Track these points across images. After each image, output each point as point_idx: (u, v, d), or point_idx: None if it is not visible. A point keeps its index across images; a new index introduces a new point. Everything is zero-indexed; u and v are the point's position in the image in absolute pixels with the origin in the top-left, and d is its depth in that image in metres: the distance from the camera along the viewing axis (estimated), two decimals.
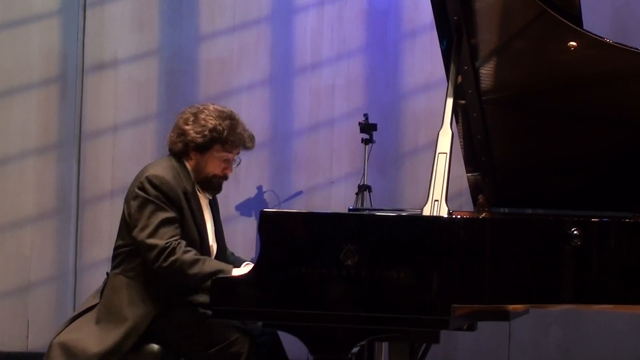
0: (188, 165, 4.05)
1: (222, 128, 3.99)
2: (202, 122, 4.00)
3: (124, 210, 4.01)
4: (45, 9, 6.67)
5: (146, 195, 3.91)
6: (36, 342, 6.53)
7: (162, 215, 3.89)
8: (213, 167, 4.04)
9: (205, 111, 4.03)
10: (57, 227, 6.62)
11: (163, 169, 3.98)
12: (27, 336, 6.59)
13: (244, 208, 6.56)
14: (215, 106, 4.08)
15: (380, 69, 6.60)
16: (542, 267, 3.57)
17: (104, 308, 3.96)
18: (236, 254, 4.32)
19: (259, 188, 6.59)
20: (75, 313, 4.06)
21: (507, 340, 6.44)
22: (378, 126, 6.17)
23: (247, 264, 4.03)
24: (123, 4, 6.70)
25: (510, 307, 3.84)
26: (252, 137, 4.10)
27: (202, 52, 6.69)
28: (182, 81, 6.64)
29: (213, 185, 4.08)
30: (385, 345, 4.24)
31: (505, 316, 4.01)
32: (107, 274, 4.06)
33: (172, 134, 4.08)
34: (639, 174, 4.05)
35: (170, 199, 3.92)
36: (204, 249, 4.00)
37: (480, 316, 3.93)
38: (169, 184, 3.93)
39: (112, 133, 6.63)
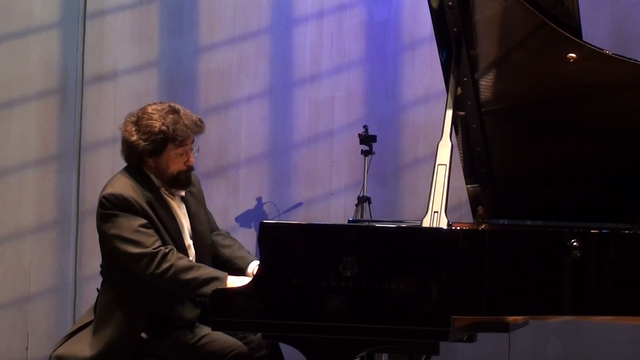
0: (149, 171, 3.99)
1: (167, 126, 3.92)
2: (146, 127, 3.93)
3: (98, 232, 3.99)
4: (45, 21, 6.67)
5: (109, 211, 3.87)
6: (36, 354, 6.52)
7: (134, 223, 3.85)
8: (174, 165, 3.98)
9: (145, 116, 3.96)
10: (57, 238, 6.62)
11: (120, 186, 3.92)
12: (27, 348, 6.58)
13: (243, 219, 6.55)
14: (152, 106, 4.01)
15: (380, 81, 6.60)
16: (542, 279, 3.57)
17: (98, 325, 3.96)
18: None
19: (259, 199, 6.58)
20: (73, 329, 4.05)
21: (507, 352, 6.43)
22: (377, 138, 6.18)
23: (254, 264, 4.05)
24: (123, 15, 6.70)
25: (510, 318, 3.84)
26: (199, 122, 4.01)
27: (201, 63, 6.70)
28: (181, 93, 6.64)
29: (181, 181, 4.02)
30: (385, 357, 4.24)
31: (505, 328, 4.01)
32: (98, 289, 4.06)
33: (123, 149, 4.01)
34: (639, 185, 4.06)
35: (134, 210, 3.87)
36: (180, 252, 3.95)
37: (480, 327, 3.92)
38: (126, 199, 3.87)
39: (111, 144, 6.62)
